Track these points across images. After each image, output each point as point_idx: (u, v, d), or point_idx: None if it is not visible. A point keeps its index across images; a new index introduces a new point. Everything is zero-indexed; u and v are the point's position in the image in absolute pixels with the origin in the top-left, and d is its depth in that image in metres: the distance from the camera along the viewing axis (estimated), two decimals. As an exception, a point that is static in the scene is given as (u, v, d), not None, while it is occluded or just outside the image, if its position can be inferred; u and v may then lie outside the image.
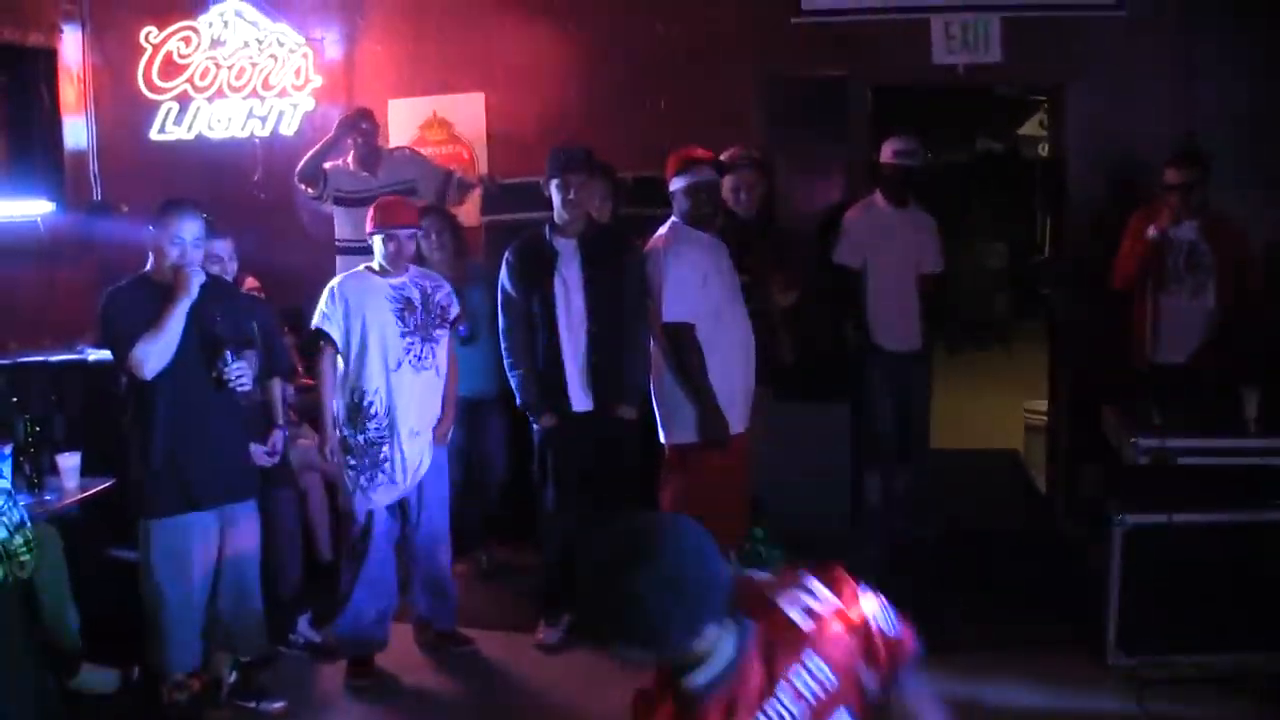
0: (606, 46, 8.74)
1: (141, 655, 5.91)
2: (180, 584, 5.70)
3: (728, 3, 8.57)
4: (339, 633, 6.48)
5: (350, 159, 8.10)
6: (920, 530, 8.14)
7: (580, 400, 6.57)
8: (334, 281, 6.38)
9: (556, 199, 6.55)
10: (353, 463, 6.29)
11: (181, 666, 5.81)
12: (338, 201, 8.04)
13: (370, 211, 6.40)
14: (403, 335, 6.26)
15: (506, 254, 6.72)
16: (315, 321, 6.26)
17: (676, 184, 6.57)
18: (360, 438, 6.26)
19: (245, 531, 5.93)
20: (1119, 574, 6.13)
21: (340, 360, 6.27)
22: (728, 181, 7.18)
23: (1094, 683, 6.13)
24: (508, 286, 6.64)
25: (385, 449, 6.25)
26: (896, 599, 4.73)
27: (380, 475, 6.27)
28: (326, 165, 8.03)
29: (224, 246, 6.31)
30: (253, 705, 6.03)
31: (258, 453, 6.15)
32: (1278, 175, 8.16)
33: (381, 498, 6.31)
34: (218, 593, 5.86)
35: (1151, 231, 7.26)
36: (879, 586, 5.33)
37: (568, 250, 6.56)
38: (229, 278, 6.28)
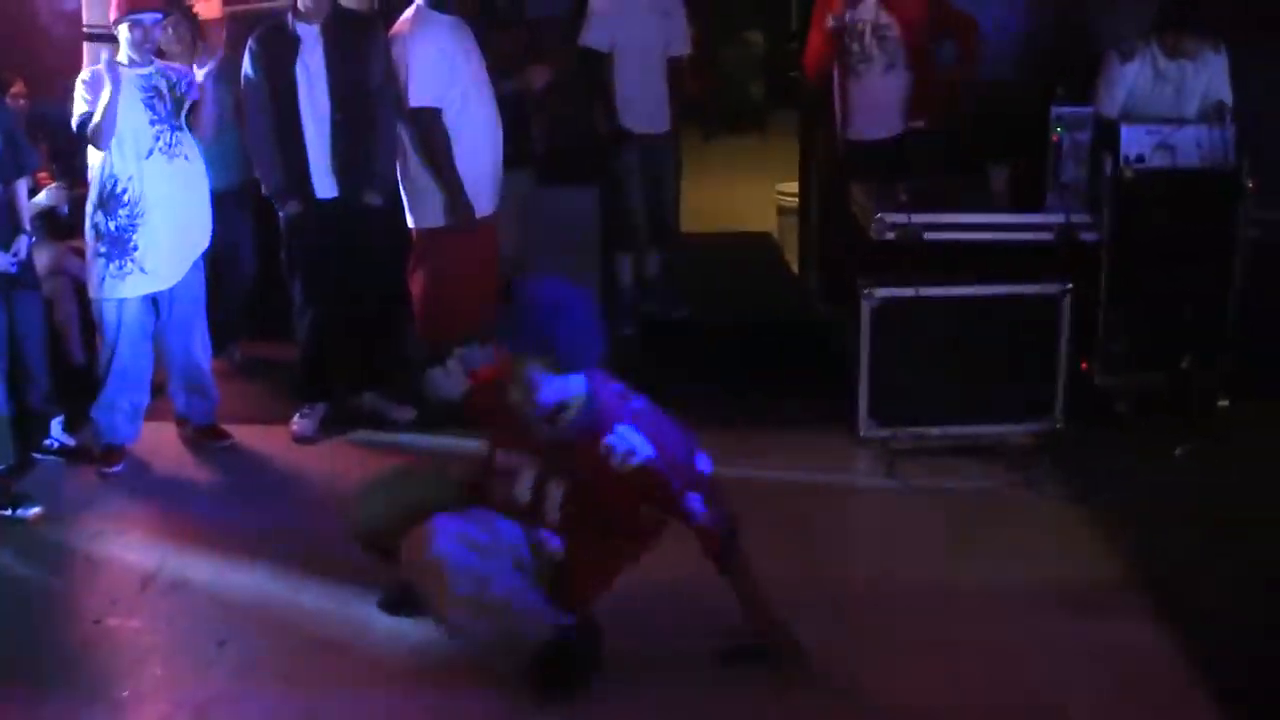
0: None
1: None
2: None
3: None
4: (93, 418, 6.44)
5: None
6: (673, 312, 8.27)
7: (325, 187, 6.48)
8: (83, 75, 6.27)
9: None
10: (103, 250, 6.21)
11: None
12: None
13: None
14: (152, 124, 6.22)
15: (250, 41, 6.57)
16: (79, 113, 6.14)
17: None
18: (112, 224, 6.18)
19: None
20: (869, 348, 6.29)
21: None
22: None
23: (847, 455, 6.37)
24: (250, 74, 6.51)
25: (135, 237, 6.19)
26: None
27: (129, 264, 6.20)
28: None
29: None
30: (8, 513, 5.93)
31: None
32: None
33: (131, 288, 6.24)
34: (-41, 400, 5.71)
35: (829, 22, 7.36)
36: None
37: (310, 36, 6.43)
38: None
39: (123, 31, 6.19)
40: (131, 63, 6.23)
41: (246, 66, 6.54)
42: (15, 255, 6.05)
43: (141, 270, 6.23)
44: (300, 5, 6.45)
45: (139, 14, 6.14)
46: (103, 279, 6.25)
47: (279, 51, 6.47)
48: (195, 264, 6.49)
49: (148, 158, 6.21)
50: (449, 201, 6.57)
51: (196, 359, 6.60)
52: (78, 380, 6.69)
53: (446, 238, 6.66)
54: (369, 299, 6.72)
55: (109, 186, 6.20)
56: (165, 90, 6.28)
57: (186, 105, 6.36)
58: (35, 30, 8.25)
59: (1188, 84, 6.78)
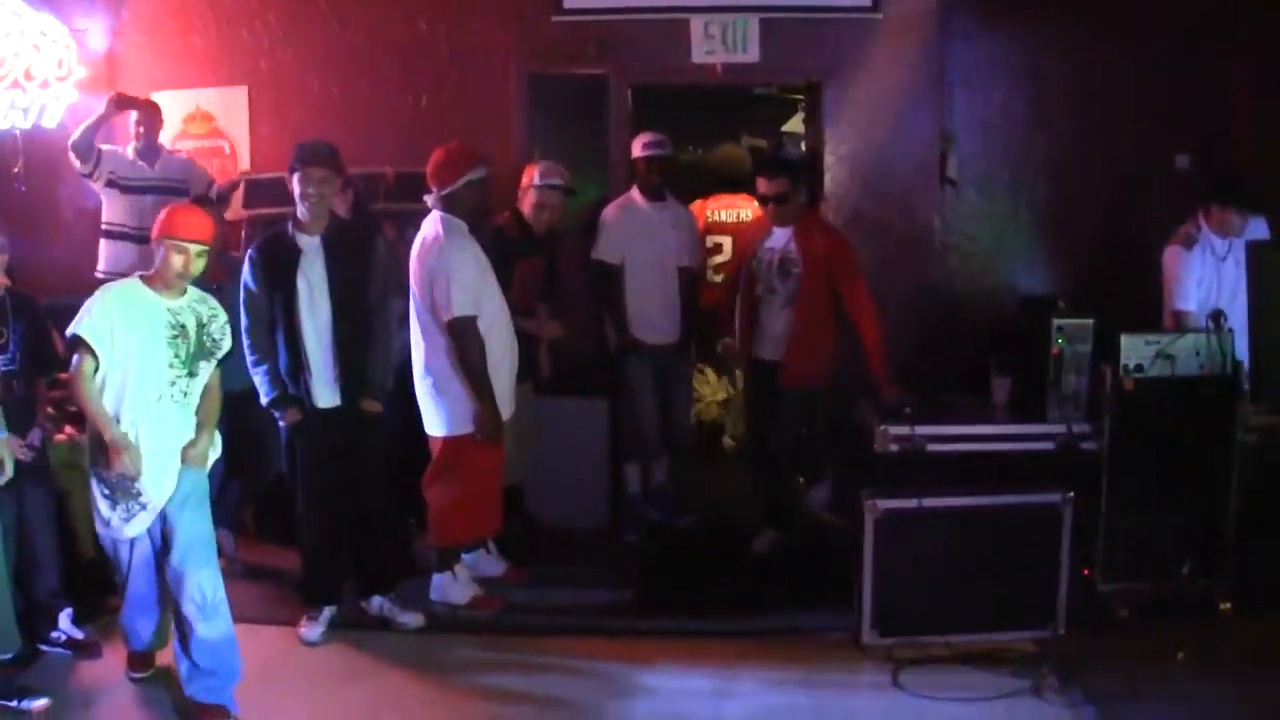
0: (369, 43, 8.82)
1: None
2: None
3: (490, 0, 8.70)
4: (120, 623, 6.24)
5: (129, 147, 8.11)
6: (678, 519, 8.30)
7: (325, 396, 6.51)
8: (108, 290, 5.73)
9: (297, 193, 6.45)
10: (106, 493, 5.77)
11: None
12: (110, 184, 8.01)
13: (164, 214, 5.77)
14: (170, 366, 5.70)
15: (250, 251, 6.61)
16: (78, 328, 5.56)
17: (473, 175, 6.67)
18: (113, 473, 5.73)
19: None
20: (872, 558, 6.30)
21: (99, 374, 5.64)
22: (532, 195, 7.52)
23: (851, 664, 6.32)
24: (250, 284, 6.51)
25: (138, 483, 5.76)
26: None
27: (136, 506, 5.79)
28: (103, 146, 7.98)
29: None
30: (14, 704, 5.89)
31: (13, 446, 5.96)
32: (1020, 178, 8.53)
33: (137, 527, 5.85)
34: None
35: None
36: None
37: (311, 248, 6.47)
38: (2, 270, 6.04)
39: (165, 251, 5.69)
40: (160, 288, 5.78)
41: (246, 276, 6.51)
42: (29, 445, 6.14)
43: (143, 508, 5.80)
44: (301, 215, 6.50)
45: (189, 242, 5.67)
46: (108, 520, 5.83)
47: (280, 263, 6.47)
48: (200, 497, 5.99)
49: (157, 402, 5.73)
50: (480, 411, 6.63)
51: (192, 594, 5.97)
52: (89, 573, 6.69)
53: (471, 445, 6.72)
54: (372, 504, 6.75)
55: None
56: (192, 328, 5.78)
57: (220, 353, 5.96)
58: (54, 228, 8.45)
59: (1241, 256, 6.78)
